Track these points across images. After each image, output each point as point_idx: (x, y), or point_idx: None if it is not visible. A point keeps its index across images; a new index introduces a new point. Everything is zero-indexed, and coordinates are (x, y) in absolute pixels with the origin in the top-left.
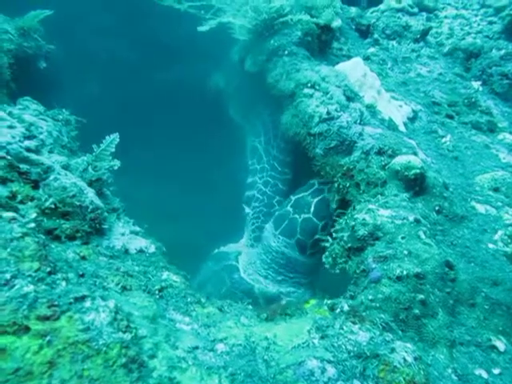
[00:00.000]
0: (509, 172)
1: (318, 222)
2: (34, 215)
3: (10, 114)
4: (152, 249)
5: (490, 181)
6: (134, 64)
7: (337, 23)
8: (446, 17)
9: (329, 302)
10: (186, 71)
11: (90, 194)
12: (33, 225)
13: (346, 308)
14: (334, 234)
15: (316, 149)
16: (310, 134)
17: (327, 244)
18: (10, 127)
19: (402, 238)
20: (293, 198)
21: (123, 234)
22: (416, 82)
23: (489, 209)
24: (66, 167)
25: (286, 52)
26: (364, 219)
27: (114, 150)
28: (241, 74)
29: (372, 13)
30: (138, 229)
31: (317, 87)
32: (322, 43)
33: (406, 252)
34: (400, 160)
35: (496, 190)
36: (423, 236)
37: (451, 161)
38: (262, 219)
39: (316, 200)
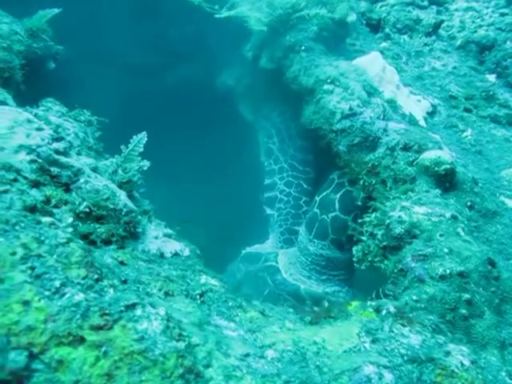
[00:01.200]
0: None
1: (347, 216)
2: (70, 220)
3: (36, 115)
4: (187, 252)
5: None
6: (140, 63)
7: (352, 18)
8: (456, 9)
9: (373, 303)
10: (194, 69)
11: (123, 197)
12: (71, 230)
13: (392, 309)
14: (364, 229)
15: (339, 145)
16: (333, 131)
17: (363, 237)
18: (39, 129)
19: (441, 235)
20: (317, 198)
21: (157, 237)
22: (431, 76)
23: None
24: (94, 169)
25: (303, 48)
26: (400, 217)
27: (142, 149)
28: (253, 72)
29: (381, 7)
30: (170, 231)
31: (337, 83)
32: (337, 38)
33: (446, 250)
34: (429, 155)
35: None
36: (462, 233)
37: (475, 155)
38: (291, 221)
39: (339, 196)
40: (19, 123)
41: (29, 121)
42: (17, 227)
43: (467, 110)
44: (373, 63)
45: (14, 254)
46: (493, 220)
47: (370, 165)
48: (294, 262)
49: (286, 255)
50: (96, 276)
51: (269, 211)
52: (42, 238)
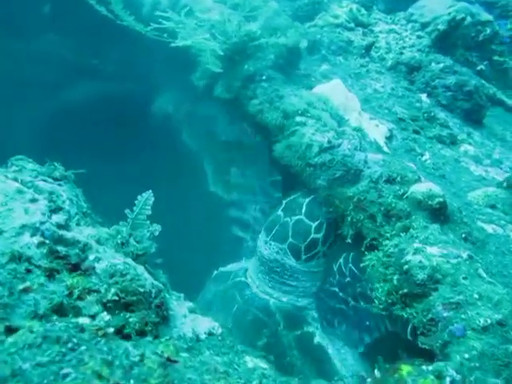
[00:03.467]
0: (497, 187)
1: (311, 222)
2: (107, 317)
3: (22, 182)
4: (219, 329)
5: (483, 198)
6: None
7: (304, 44)
8: (380, 31)
9: (430, 368)
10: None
11: (146, 274)
12: (112, 330)
13: (457, 376)
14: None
15: (318, 180)
16: (310, 165)
17: (381, 286)
18: (33, 201)
19: (464, 278)
20: (283, 201)
21: (185, 316)
22: (376, 98)
23: (495, 228)
24: (98, 241)
25: (264, 77)
26: (421, 261)
27: (150, 212)
28: (199, 100)
29: (309, 27)
30: (191, 304)
31: (308, 114)
32: (291, 65)
33: (476, 296)
34: (419, 188)
35: (493, 207)
36: (484, 274)
37: (440, 179)
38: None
39: (308, 200)
40: (11, 196)
41: (19, 191)
42: (70, 345)
43: (416, 132)
44: (336, 91)
45: None
46: (484, 249)
47: (355, 199)
48: (257, 272)
49: (253, 268)
50: None
51: (240, 234)
52: (111, 359)
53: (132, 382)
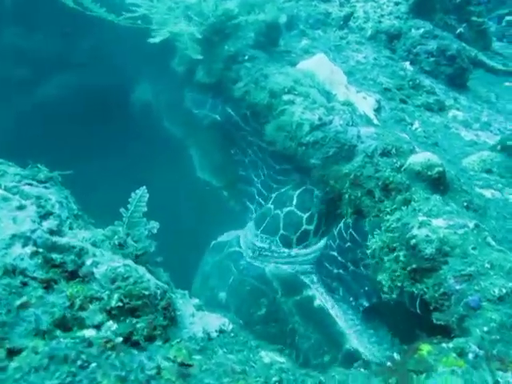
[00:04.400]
0: (491, 151)
1: (302, 214)
2: (114, 326)
3: (5, 188)
4: (230, 325)
5: (479, 163)
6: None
7: (283, 19)
8: (357, 1)
9: (450, 345)
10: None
11: (148, 275)
12: (120, 339)
13: (479, 351)
14: (377, 253)
15: (312, 159)
16: (302, 144)
17: (386, 264)
18: (20, 208)
19: (473, 248)
20: (273, 195)
21: (193, 315)
22: (359, 70)
23: (494, 192)
24: (94, 244)
25: (246, 57)
26: (427, 235)
27: (145, 209)
28: (180, 86)
29: (284, 2)
30: (196, 300)
31: (295, 92)
32: (272, 42)
33: (487, 265)
34: (417, 159)
35: (489, 171)
36: (493, 242)
37: (433, 148)
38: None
39: (298, 192)
40: None
41: (4, 199)
42: (79, 363)
43: (403, 102)
44: (320, 66)
45: None
46: (486, 216)
47: (351, 176)
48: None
49: (245, 236)
50: None
51: (248, 204)
52: (125, 375)
53: None
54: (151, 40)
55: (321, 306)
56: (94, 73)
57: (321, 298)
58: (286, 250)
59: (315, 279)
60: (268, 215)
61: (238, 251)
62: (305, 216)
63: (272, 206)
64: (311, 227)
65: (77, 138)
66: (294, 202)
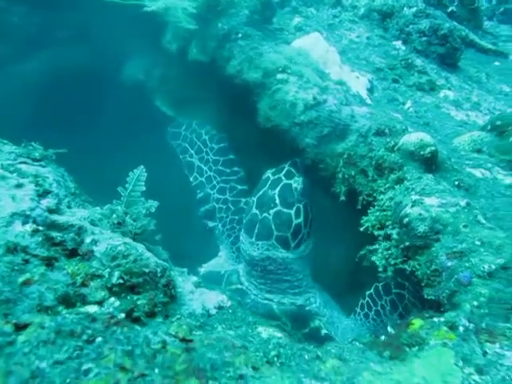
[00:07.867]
0: (481, 131)
1: (290, 210)
2: (117, 303)
3: (2, 166)
4: (229, 302)
5: (469, 143)
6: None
7: None
8: None
9: (442, 319)
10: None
11: (147, 253)
12: (123, 315)
13: (469, 325)
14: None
15: (306, 139)
16: (296, 124)
17: (379, 244)
18: (19, 186)
19: (464, 226)
20: (254, 199)
21: (192, 292)
22: (352, 49)
23: (483, 172)
24: (92, 222)
25: (240, 35)
26: (420, 214)
27: (144, 188)
28: (170, 64)
29: None
30: (195, 278)
31: (288, 71)
32: (266, 20)
33: (478, 242)
34: (411, 139)
35: (479, 151)
36: (483, 220)
37: (424, 127)
38: (238, 227)
39: (277, 190)
40: None
41: (2, 177)
42: (85, 337)
43: (395, 81)
44: (315, 45)
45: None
46: (476, 194)
47: (345, 155)
48: (250, 277)
49: (244, 274)
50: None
51: (211, 224)
52: (132, 349)
53: (157, 370)
54: (146, 9)
55: (327, 333)
56: (82, 50)
57: (325, 325)
58: (285, 254)
59: (317, 310)
60: (256, 221)
61: (240, 288)
62: (292, 211)
63: (257, 211)
64: (301, 220)
65: (63, 117)
66: (278, 201)
